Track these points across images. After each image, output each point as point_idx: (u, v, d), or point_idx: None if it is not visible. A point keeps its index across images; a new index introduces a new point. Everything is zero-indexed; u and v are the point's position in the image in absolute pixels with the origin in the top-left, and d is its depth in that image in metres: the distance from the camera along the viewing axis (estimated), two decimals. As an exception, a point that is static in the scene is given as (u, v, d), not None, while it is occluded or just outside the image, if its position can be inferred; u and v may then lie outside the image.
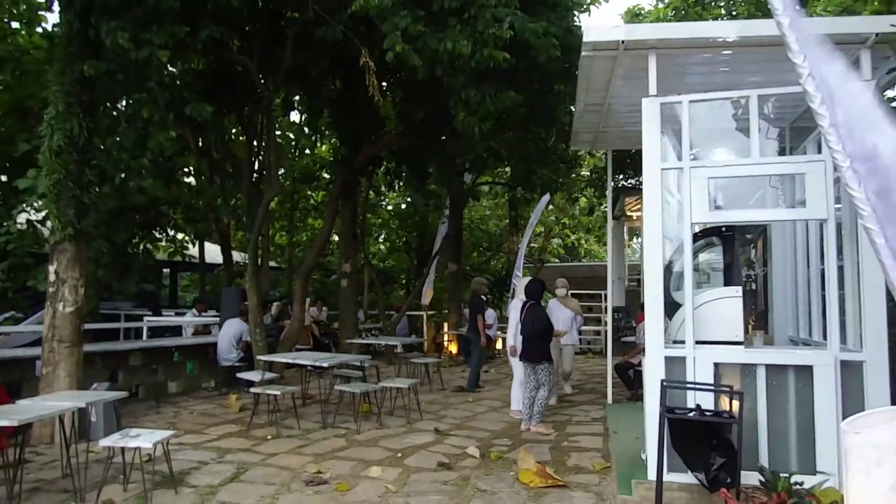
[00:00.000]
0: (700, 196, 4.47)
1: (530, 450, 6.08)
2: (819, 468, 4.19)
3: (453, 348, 14.69)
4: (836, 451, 4.17)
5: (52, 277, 6.35)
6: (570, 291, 13.51)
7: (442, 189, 12.48)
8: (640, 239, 20.36)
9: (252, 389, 7.10)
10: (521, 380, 7.92)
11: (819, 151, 5.34)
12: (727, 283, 4.83)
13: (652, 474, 4.45)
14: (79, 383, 6.50)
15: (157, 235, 13.92)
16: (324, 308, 13.57)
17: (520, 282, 16.46)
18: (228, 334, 9.23)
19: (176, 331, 11.51)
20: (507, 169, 17.51)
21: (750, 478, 4.01)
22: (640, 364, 9.01)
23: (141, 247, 12.50)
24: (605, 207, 24.27)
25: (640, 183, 15.14)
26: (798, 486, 3.71)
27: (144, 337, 10.49)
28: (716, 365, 4.44)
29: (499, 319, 17.02)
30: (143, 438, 4.64)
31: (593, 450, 6.36)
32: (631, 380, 8.99)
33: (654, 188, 4.57)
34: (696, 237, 4.67)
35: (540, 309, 7.09)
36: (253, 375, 8.01)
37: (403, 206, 20.87)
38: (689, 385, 4.31)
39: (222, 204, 11.41)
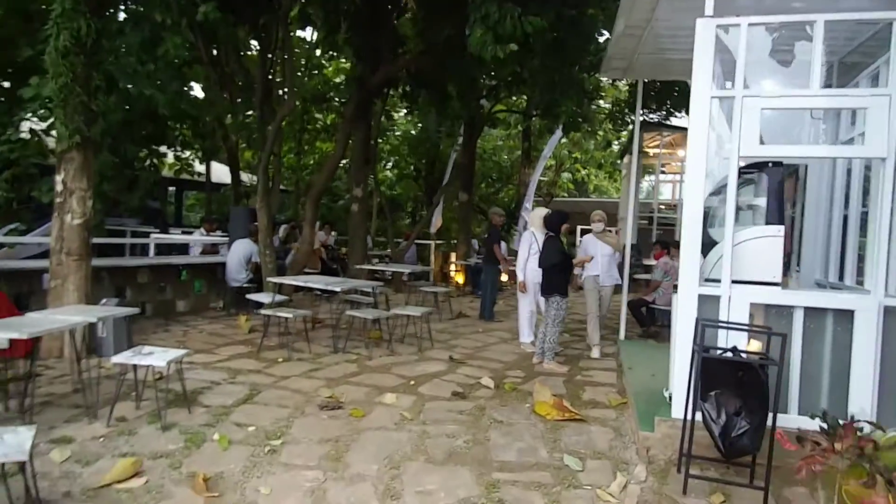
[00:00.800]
0: (750, 128, 4.18)
1: (545, 382, 6.02)
2: (850, 412, 4.08)
3: (460, 278, 14.61)
4: (871, 396, 4.05)
5: (59, 188, 6.12)
6: (585, 227, 13.28)
7: (458, 115, 12.02)
8: (653, 176, 20.01)
9: (262, 311, 7.00)
10: (528, 313, 7.85)
11: (874, 86, 5.06)
12: (769, 221, 4.58)
13: (676, 412, 4.36)
14: (87, 298, 6.37)
15: (163, 151, 13.57)
16: (332, 233, 13.38)
17: (529, 214, 16.29)
18: (238, 255, 9.08)
19: (183, 249, 11.37)
20: (524, 98, 16.99)
21: (786, 421, 3.88)
22: (653, 301, 8.91)
23: (147, 162, 12.17)
24: (620, 142, 23.81)
25: (664, 117, 14.71)
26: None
27: (151, 254, 10.33)
28: (752, 305, 4.27)
29: (507, 252, 16.92)
30: (157, 357, 4.52)
31: (608, 385, 6.29)
32: (644, 317, 8.88)
33: (702, 117, 4.27)
34: (739, 172, 4.39)
35: (556, 242, 6.87)
36: (263, 297, 7.90)
37: (413, 132, 20.38)
38: (728, 325, 4.14)
39: (232, 120, 11.02)
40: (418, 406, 5.27)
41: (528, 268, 7.43)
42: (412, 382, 6.01)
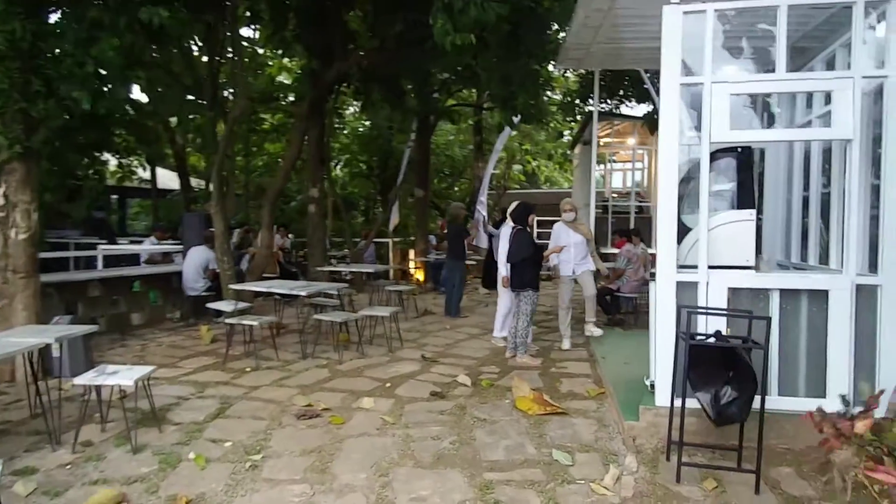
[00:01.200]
0: (721, 114, 4.21)
1: (522, 377, 5.99)
2: (829, 392, 4.17)
3: (420, 275, 14.49)
4: (848, 374, 4.14)
5: (0, 201, 5.74)
6: (541, 219, 13.30)
7: (413, 110, 11.88)
8: (607, 165, 20.23)
9: (226, 320, 6.75)
10: (505, 309, 7.80)
11: (828, 70, 5.18)
12: (741, 205, 4.64)
13: (661, 400, 4.38)
14: (37, 316, 6.02)
15: (105, 158, 13.01)
16: (289, 235, 13.06)
17: (486, 209, 16.29)
18: (194, 262, 8.76)
19: (132, 260, 10.89)
20: (474, 92, 16.96)
21: (770, 403, 3.92)
22: (618, 290, 9.01)
23: (91, 170, 11.61)
24: (570, 133, 24.03)
25: (615, 107, 14.86)
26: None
27: (100, 266, 9.87)
28: (730, 290, 4.32)
29: (467, 246, 16.88)
30: (122, 375, 4.28)
31: (582, 376, 6.30)
32: (608, 305, 8.96)
33: (672, 104, 4.28)
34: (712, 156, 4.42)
35: (525, 234, 6.85)
36: (224, 305, 7.63)
37: (363, 130, 20.09)
38: (713, 311, 4.16)
39: (180, 122, 10.59)
40: (398, 409, 5.16)
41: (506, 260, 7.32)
42: (388, 385, 5.89)
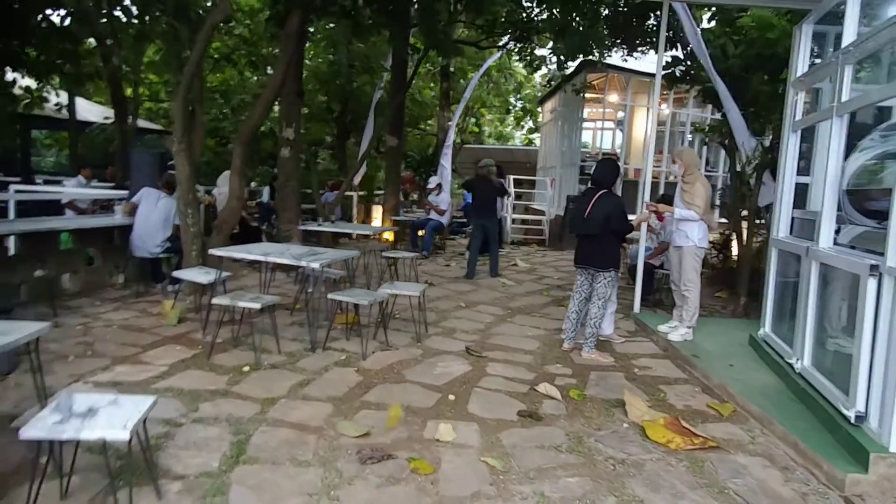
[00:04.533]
0: None
1: (605, 382, 4.66)
2: None
3: (389, 235, 12.79)
4: None
5: None
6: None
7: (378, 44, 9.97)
8: (594, 123, 18.83)
9: (217, 301, 4.94)
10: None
11: None
12: None
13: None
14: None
15: (12, 78, 10.45)
16: (252, 183, 11.03)
17: (450, 164, 14.66)
18: (160, 214, 6.81)
19: (54, 208, 8.63)
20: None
21: None
22: (661, 265, 7.75)
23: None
24: (538, 85, 22.42)
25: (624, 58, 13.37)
26: None
27: (11, 215, 7.56)
28: None
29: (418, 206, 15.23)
30: (107, 419, 2.53)
31: (680, 381, 5.00)
32: (648, 284, 7.68)
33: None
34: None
35: (617, 199, 5.39)
36: (198, 275, 5.81)
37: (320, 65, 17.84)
38: None
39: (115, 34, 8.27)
40: (492, 442, 3.66)
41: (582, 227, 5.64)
42: (451, 397, 4.36)
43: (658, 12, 8.36)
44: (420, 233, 11.53)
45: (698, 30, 7.76)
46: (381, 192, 15.06)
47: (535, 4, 8.32)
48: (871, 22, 4.43)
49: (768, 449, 3.74)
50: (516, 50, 13.38)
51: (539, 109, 23.14)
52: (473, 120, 25.36)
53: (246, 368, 4.69)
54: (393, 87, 12.78)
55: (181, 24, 6.59)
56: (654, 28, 10.07)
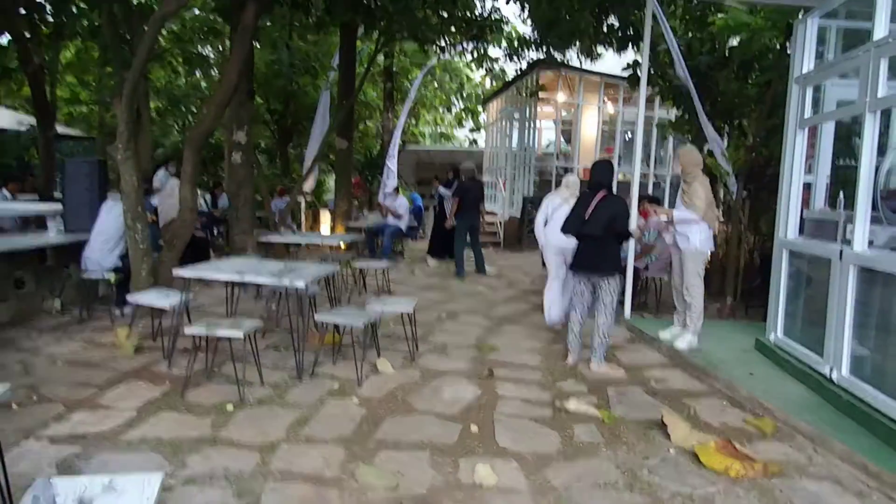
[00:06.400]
0: None
1: (627, 398, 4.33)
2: None
3: (342, 244, 12.10)
4: None
5: None
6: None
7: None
8: (545, 122, 18.62)
9: (190, 332, 4.25)
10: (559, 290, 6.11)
11: None
12: None
13: None
14: None
15: None
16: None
17: (395, 165, 14.18)
18: (109, 227, 5.99)
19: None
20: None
21: None
22: (646, 268, 7.50)
23: None
24: (479, 86, 22.05)
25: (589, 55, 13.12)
26: None
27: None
28: None
29: (369, 210, 14.66)
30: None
31: (704, 394, 4.69)
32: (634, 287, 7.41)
33: None
34: None
35: (620, 200, 5.04)
36: (157, 298, 5.08)
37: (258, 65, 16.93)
38: None
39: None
40: (540, 483, 3.19)
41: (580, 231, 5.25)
42: (472, 428, 3.86)
43: (637, 12, 8.10)
44: (378, 239, 10.96)
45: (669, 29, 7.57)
46: (329, 197, 14.40)
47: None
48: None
49: (831, 471, 3.43)
50: (471, 49, 12.98)
51: (481, 109, 22.89)
52: (413, 121, 24.88)
53: (230, 407, 4.05)
54: (342, 88, 12.14)
55: (118, 13, 5.81)
56: (616, 28, 9.86)
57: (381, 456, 3.43)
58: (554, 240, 6.03)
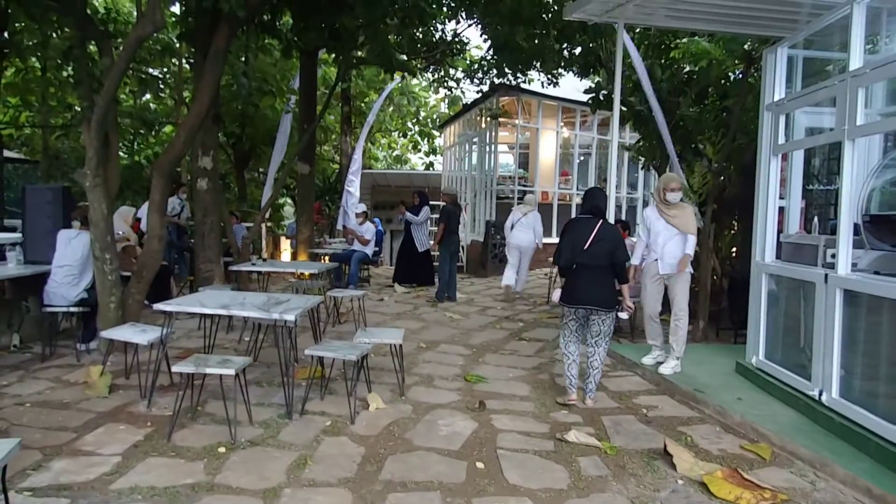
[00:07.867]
0: None
1: (624, 429, 4.31)
2: None
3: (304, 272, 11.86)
4: None
5: None
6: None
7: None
8: (496, 147, 18.78)
9: (179, 370, 4.02)
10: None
11: None
12: None
13: None
14: None
15: None
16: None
17: (356, 191, 14.13)
18: (76, 254, 5.69)
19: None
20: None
21: None
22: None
23: None
24: (434, 111, 22.10)
25: (546, 81, 13.33)
26: None
27: None
28: None
29: (329, 236, 14.49)
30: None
31: (695, 421, 4.73)
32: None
33: None
34: None
35: (616, 231, 5.05)
36: (132, 334, 4.83)
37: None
38: None
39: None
40: (560, 521, 3.14)
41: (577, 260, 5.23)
42: (480, 465, 3.78)
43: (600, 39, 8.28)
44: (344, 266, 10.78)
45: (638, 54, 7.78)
46: (287, 222, 14.15)
47: (476, 19, 8.10)
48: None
49: (836, 496, 3.49)
50: (431, 72, 13.05)
51: (437, 133, 22.98)
52: (369, 145, 24.79)
53: (221, 449, 3.85)
54: (303, 111, 12.00)
55: (89, 34, 5.57)
56: (579, 54, 10.08)
57: (390, 499, 3.30)
58: (514, 241, 9.79)
